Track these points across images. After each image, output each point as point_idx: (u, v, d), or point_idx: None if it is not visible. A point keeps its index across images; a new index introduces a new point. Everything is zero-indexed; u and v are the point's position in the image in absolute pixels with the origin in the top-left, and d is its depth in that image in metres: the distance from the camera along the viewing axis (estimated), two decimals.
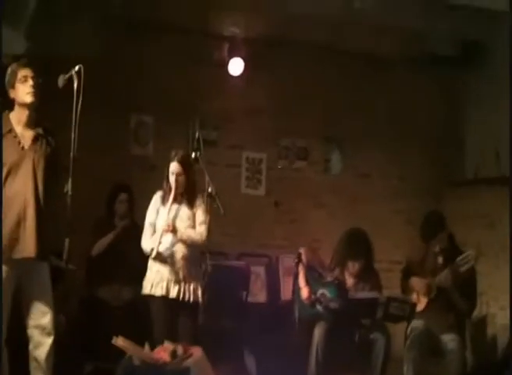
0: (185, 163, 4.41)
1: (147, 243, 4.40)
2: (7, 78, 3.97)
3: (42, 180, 3.97)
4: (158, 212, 4.44)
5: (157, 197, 4.50)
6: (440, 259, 4.90)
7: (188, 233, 4.37)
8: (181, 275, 4.34)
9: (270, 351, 4.15)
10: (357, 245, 5.01)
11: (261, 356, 3.93)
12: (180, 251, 4.35)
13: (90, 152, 5.61)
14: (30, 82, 3.93)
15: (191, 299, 4.34)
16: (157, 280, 4.36)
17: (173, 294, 4.32)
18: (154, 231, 4.40)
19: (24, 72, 3.94)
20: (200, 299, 4.36)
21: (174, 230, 4.30)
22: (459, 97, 6.89)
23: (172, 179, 4.39)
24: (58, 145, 4.10)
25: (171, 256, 4.32)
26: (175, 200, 4.38)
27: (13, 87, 3.96)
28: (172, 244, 4.29)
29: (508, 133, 5.49)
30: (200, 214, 4.45)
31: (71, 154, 3.88)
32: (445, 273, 4.72)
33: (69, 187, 3.87)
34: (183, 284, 4.34)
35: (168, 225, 4.27)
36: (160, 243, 4.26)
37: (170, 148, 4.51)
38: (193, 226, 4.43)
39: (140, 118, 6.41)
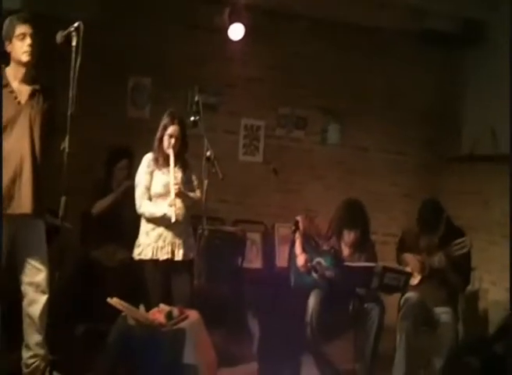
0: (183, 126, 4.38)
1: (151, 207, 4.34)
2: (4, 30, 3.86)
3: (39, 137, 3.92)
4: (152, 175, 4.38)
5: (148, 159, 4.43)
6: (436, 239, 4.87)
7: (191, 196, 4.36)
8: (182, 238, 4.34)
9: (267, 316, 4.14)
10: (353, 215, 4.99)
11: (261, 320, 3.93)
12: (181, 214, 4.32)
13: (87, 113, 5.62)
14: (28, 40, 3.83)
15: (187, 262, 4.35)
16: (160, 245, 4.33)
17: (174, 256, 4.32)
18: (149, 196, 4.36)
19: (23, 28, 3.83)
20: (195, 262, 4.35)
21: (181, 193, 4.27)
22: (458, 74, 6.86)
23: (171, 141, 4.34)
24: (56, 103, 4.04)
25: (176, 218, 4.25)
26: (169, 162, 4.31)
27: (10, 41, 3.86)
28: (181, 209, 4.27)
29: (506, 111, 5.49)
30: (195, 178, 4.46)
31: (68, 111, 3.80)
32: (439, 256, 4.70)
33: (66, 144, 3.82)
34: (182, 247, 4.34)
35: (179, 188, 4.22)
36: (172, 206, 4.19)
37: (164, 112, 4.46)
38: (190, 190, 4.41)
39: (138, 80, 6.32)
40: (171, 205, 4.19)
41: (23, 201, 3.86)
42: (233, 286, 5.16)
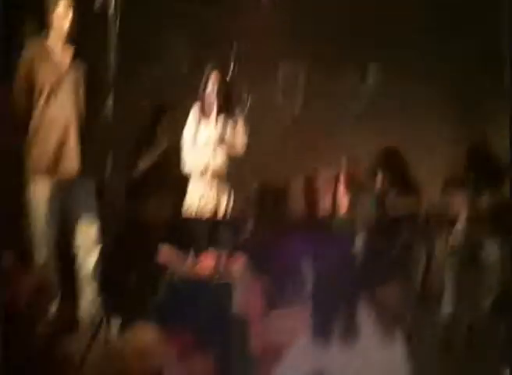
0: (224, 73, 4.38)
1: (196, 158, 4.39)
2: (47, 2, 3.94)
3: (83, 101, 4.04)
4: (196, 126, 4.41)
5: (194, 111, 4.46)
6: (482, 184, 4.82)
7: (233, 144, 4.35)
8: (224, 196, 4.37)
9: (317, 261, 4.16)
10: (390, 161, 4.98)
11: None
12: (223, 167, 4.37)
13: (128, 74, 5.68)
14: (70, 13, 3.92)
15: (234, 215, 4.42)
16: (203, 202, 4.37)
17: (219, 214, 4.37)
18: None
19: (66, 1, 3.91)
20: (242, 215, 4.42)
21: (224, 143, 4.29)
22: None
23: (213, 89, 4.34)
24: (97, 66, 4.12)
25: (219, 172, 4.34)
26: (213, 113, 4.35)
27: (53, 12, 3.94)
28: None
29: None
30: (240, 127, 4.41)
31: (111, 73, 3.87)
32: (485, 199, 4.65)
33: (109, 104, 3.89)
34: (227, 202, 4.37)
35: (220, 138, 4.26)
36: (214, 157, 4.27)
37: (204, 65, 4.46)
38: (237, 139, 4.40)
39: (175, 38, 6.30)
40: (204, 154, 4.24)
41: (71, 165, 4.01)
42: (279, 233, 5.22)
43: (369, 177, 5.08)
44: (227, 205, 4.38)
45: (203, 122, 4.40)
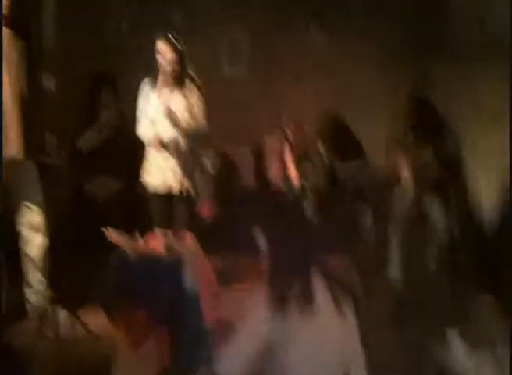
0: (174, 43, 4.23)
1: (147, 131, 4.31)
2: None
3: (21, 78, 3.89)
4: (148, 98, 4.32)
5: (145, 83, 4.37)
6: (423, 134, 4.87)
7: (186, 119, 4.28)
8: (182, 168, 4.32)
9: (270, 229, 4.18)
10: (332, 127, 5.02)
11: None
12: (181, 142, 4.31)
13: (64, 45, 5.53)
14: None
15: (190, 191, 4.37)
16: (159, 175, 4.33)
17: (175, 188, 4.33)
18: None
19: None
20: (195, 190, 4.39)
21: (172, 117, 4.20)
22: None
23: (165, 59, 4.21)
24: (32, 40, 4.00)
25: (174, 147, 4.29)
26: (165, 85, 4.25)
27: None
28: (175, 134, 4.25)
29: None
30: (196, 102, 4.33)
31: (45, 47, 3.78)
32: (427, 153, 4.72)
33: (46, 80, 3.81)
34: (184, 177, 4.33)
35: (166, 109, 4.16)
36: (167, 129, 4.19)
37: (146, 32, 4.35)
38: (190, 114, 4.32)
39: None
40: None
41: (12, 145, 3.90)
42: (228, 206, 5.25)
43: (313, 145, 5.09)
44: (181, 179, 4.34)
45: (155, 93, 4.30)
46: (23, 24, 3.96)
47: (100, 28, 6.09)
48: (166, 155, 4.30)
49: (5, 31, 3.85)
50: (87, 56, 5.82)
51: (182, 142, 4.30)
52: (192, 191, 4.39)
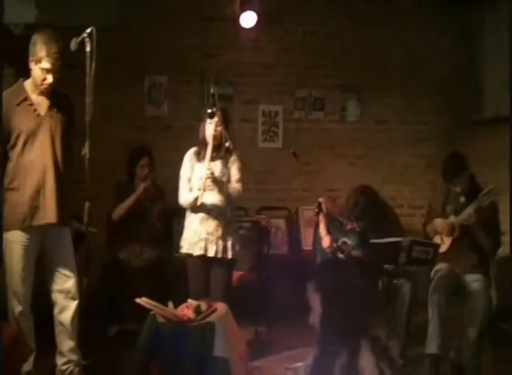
0: (222, 116, 4.35)
1: (188, 196, 4.37)
2: (33, 50, 3.85)
3: (60, 146, 3.98)
4: (192, 168, 4.42)
5: (191, 153, 4.48)
6: (462, 199, 4.80)
7: (226, 186, 4.35)
8: (220, 232, 4.34)
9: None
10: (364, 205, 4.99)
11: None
12: (220, 207, 4.36)
13: (106, 116, 5.74)
14: (50, 78, 3.86)
15: (228, 256, 4.36)
16: (195, 240, 4.35)
17: (211, 253, 4.33)
18: (191, 188, 4.40)
19: (48, 64, 3.82)
20: (235, 256, 4.38)
21: (216, 181, 4.27)
22: (475, 36, 6.71)
23: (209, 132, 4.36)
24: (75, 110, 4.12)
25: (212, 212, 4.33)
26: (209, 155, 4.33)
27: (34, 62, 3.85)
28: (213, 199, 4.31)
29: None
30: (235, 171, 4.43)
31: (86, 117, 3.88)
32: (467, 211, 4.65)
33: (86, 150, 3.89)
34: (220, 243, 4.34)
35: (211, 173, 4.22)
36: (204, 191, 4.25)
37: (185, 108, 4.50)
38: (228, 183, 4.40)
39: (154, 79, 6.38)
40: (199, 189, 4.25)
41: (48, 212, 3.94)
42: (260, 274, 5.21)
43: (347, 216, 5.08)
44: (216, 246, 4.35)
45: (197, 164, 4.42)
46: (68, 94, 4.10)
47: (140, 102, 6.34)
48: (204, 217, 4.34)
49: (52, 99, 3.99)
50: (127, 128, 6.05)
51: (223, 207, 4.36)
52: (228, 256, 4.38)
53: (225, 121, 4.39)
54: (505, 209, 5.22)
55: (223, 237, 4.36)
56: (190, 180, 4.42)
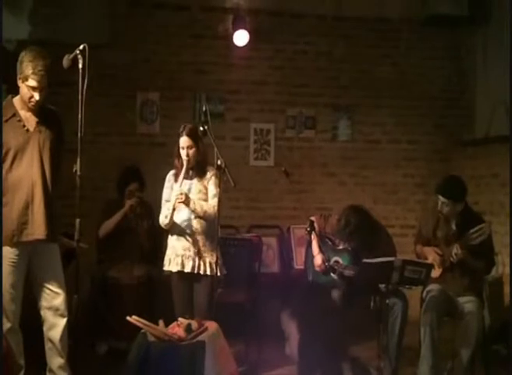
0: (194, 136, 4.40)
1: (162, 216, 4.42)
2: (20, 68, 3.83)
3: (49, 162, 3.96)
4: (172, 189, 4.44)
5: (170, 175, 4.53)
6: (453, 227, 4.80)
7: (200, 204, 4.36)
8: (196, 249, 4.35)
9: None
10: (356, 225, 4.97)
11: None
12: (196, 224, 4.38)
13: (97, 133, 5.72)
14: (36, 96, 3.84)
15: (207, 273, 4.35)
16: (173, 256, 4.39)
17: (188, 268, 4.34)
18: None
19: (34, 82, 3.80)
20: (216, 273, 4.34)
21: (187, 201, 4.29)
22: (466, 56, 6.78)
23: (183, 153, 4.39)
24: (63, 126, 4.10)
25: (187, 229, 4.35)
26: (187, 174, 4.39)
27: (21, 80, 3.83)
28: (188, 216, 4.34)
29: None
30: (212, 187, 4.44)
31: (78, 134, 3.85)
32: (455, 248, 4.61)
33: (77, 166, 3.86)
34: (197, 259, 4.36)
35: (180, 193, 4.26)
36: (174, 210, 4.29)
37: (177, 125, 4.51)
38: (205, 200, 4.42)
39: (146, 96, 6.37)
40: (168, 209, 4.31)
41: (37, 227, 3.91)
42: (251, 292, 5.16)
43: (339, 236, 5.05)
44: (192, 262, 4.36)
45: (175, 184, 4.44)
46: (57, 110, 4.08)
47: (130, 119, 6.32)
48: (180, 234, 4.39)
49: (40, 115, 3.96)
50: (116, 146, 6.03)
51: (200, 224, 4.37)
52: (207, 273, 4.37)
53: (195, 140, 4.41)
54: (497, 229, 5.21)
55: (200, 253, 4.36)
56: (168, 201, 4.42)
